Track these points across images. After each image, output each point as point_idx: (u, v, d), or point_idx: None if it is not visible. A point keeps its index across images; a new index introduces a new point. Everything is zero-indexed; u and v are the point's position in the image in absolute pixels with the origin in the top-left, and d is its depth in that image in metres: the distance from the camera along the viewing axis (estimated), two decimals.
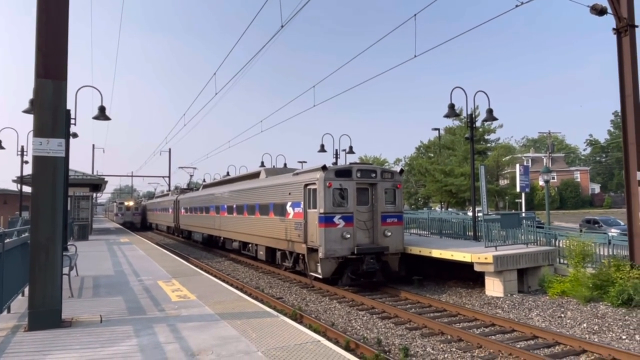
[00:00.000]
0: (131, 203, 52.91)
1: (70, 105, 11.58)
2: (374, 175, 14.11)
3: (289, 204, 15.29)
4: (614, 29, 12.46)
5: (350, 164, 15.10)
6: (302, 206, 14.31)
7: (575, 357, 7.91)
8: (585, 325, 9.55)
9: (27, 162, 24.77)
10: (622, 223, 27.25)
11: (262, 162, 31.61)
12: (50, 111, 7.18)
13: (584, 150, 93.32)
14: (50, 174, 7.11)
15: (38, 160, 7.08)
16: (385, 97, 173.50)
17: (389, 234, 13.90)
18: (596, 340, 8.66)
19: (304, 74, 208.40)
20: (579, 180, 74.56)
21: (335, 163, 26.09)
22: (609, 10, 12.32)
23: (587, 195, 73.55)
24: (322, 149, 26.53)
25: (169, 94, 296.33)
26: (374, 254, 13.54)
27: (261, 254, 18.27)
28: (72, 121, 14.67)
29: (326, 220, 13.13)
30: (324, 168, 13.51)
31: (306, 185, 14.17)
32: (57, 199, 7.14)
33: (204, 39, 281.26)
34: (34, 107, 7.31)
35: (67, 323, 7.27)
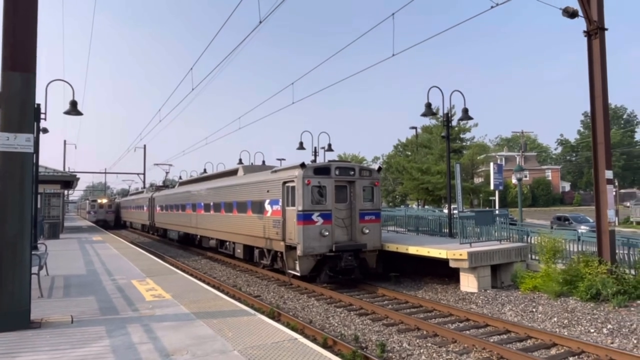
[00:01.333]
0: (104, 200, 51.53)
1: (40, 99, 11.20)
2: (352, 173, 14.16)
3: (267, 201, 15.21)
4: (584, 31, 12.80)
5: (329, 161, 15.11)
6: (280, 204, 14.25)
7: (546, 350, 8.13)
8: (555, 319, 9.83)
9: None
10: (591, 220, 28.20)
11: (240, 159, 31.33)
12: (18, 105, 6.93)
13: (555, 149, 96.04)
14: (17, 170, 6.88)
15: (5, 156, 6.83)
16: (363, 95, 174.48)
17: (367, 231, 13.99)
18: (566, 333, 8.92)
19: (283, 71, 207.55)
20: (550, 178, 76.71)
21: (314, 161, 26.09)
22: (580, 13, 12.67)
23: (558, 193, 75.75)
24: (301, 147, 26.49)
25: (144, 89, 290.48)
26: (352, 251, 13.60)
27: (239, 252, 18.11)
28: (42, 116, 14.19)
29: (305, 217, 13.11)
30: (302, 165, 13.48)
31: (285, 182, 14.11)
32: (26, 196, 6.91)
33: (183, 32, 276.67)
34: (1, 101, 7.04)
35: (37, 324, 7.05)
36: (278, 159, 34.79)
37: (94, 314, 7.85)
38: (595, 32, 12.56)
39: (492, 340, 8.56)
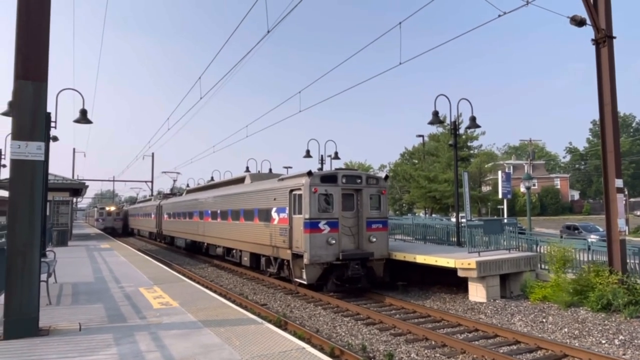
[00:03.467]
0: (112, 208, 51.92)
1: (50, 107, 11.37)
2: (359, 181, 14.14)
3: (274, 209, 15.21)
4: (592, 39, 12.76)
5: (336, 169, 15.12)
6: (287, 212, 14.25)
7: None
8: (566, 330, 9.69)
9: (4, 166, 24.17)
10: (601, 229, 27.86)
11: (247, 167, 31.44)
12: (30, 113, 7.02)
13: (564, 157, 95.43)
14: (28, 178, 6.94)
15: (16, 164, 6.91)
16: (370, 103, 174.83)
17: (374, 239, 13.92)
18: (577, 344, 8.79)
19: (290, 79, 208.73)
20: (559, 187, 76.14)
21: (321, 169, 26.11)
22: (588, 21, 12.64)
23: (567, 201, 75.11)
24: (308, 155, 26.54)
25: (152, 98, 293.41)
26: (359, 259, 13.54)
27: (245, 259, 18.10)
28: (53, 124, 14.37)
29: (311, 225, 13.09)
30: (309, 173, 13.49)
31: (291, 190, 14.12)
32: (36, 204, 6.96)
33: (191, 41, 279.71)
34: (13, 109, 7.15)
35: (45, 331, 7.08)
36: (285, 167, 34.86)
37: (102, 322, 7.87)
38: (604, 41, 12.51)
39: (501, 351, 8.45)
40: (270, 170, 29.98)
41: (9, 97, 12.39)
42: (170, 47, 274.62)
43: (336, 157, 27.91)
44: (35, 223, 6.94)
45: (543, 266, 13.73)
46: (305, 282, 13.37)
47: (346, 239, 13.70)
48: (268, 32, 12.94)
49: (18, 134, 6.93)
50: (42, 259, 9.23)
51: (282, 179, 15.71)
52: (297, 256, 13.69)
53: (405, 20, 12.63)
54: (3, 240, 9.15)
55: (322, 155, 27.69)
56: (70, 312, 8.61)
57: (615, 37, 12.63)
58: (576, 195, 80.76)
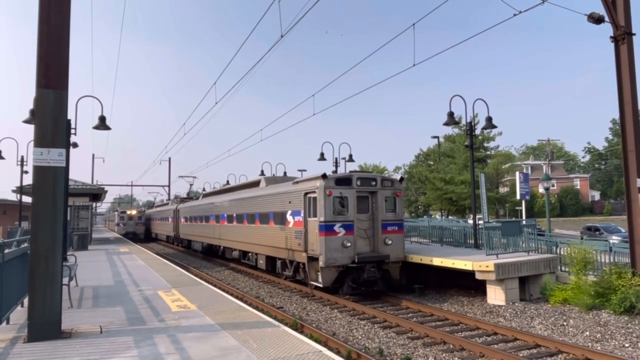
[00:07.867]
0: (134, 212, 49.56)
1: (70, 114, 11.59)
2: (374, 183, 14.11)
3: (289, 212, 15.27)
4: (611, 37, 12.54)
5: (350, 172, 15.11)
6: (302, 215, 14.29)
7: None
8: (587, 333, 9.49)
9: (27, 172, 24.73)
10: (623, 230, 27.21)
11: (262, 171, 31.65)
12: (51, 121, 7.19)
13: (583, 157, 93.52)
14: (50, 184, 7.11)
15: (38, 170, 7.08)
16: (384, 104, 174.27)
17: (390, 242, 13.86)
18: (599, 348, 8.60)
19: (304, 82, 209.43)
20: (578, 187, 74.66)
21: (335, 171, 26.11)
22: (606, 18, 12.42)
23: (587, 202, 73.57)
24: (322, 158, 26.57)
25: (169, 103, 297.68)
26: (374, 262, 13.50)
27: (261, 263, 18.20)
28: (73, 131, 14.67)
29: (326, 228, 13.10)
30: (324, 176, 13.51)
31: (306, 193, 14.16)
32: (57, 209, 7.12)
33: (206, 48, 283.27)
34: (35, 117, 7.33)
35: (67, 334, 7.22)
36: (299, 170, 34.95)
37: (122, 324, 8.00)
38: (623, 38, 12.29)
39: (521, 354, 8.32)
40: (285, 173, 30.08)
41: (31, 105, 12.73)
42: (183, 56, 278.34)
43: (350, 159, 27.85)
44: (57, 228, 7.10)
45: (563, 268, 13.50)
46: (321, 285, 13.37)
47: (361, 241, 13.67)
48: (282, 36, 13.03)
49: (40, 141, 7.10)
50: (64, 263, 9.43)
51: (297, 182, 15.76)
52: (313, 259, 13.71)
53: (419, 22, 12.60)
54: (26, 244, 9.39)
55: (336, 158, 27.68)
56: (91, 315, 8.77)
57: (634, 34, 12.40)
58: (597, 195, 79.05)
